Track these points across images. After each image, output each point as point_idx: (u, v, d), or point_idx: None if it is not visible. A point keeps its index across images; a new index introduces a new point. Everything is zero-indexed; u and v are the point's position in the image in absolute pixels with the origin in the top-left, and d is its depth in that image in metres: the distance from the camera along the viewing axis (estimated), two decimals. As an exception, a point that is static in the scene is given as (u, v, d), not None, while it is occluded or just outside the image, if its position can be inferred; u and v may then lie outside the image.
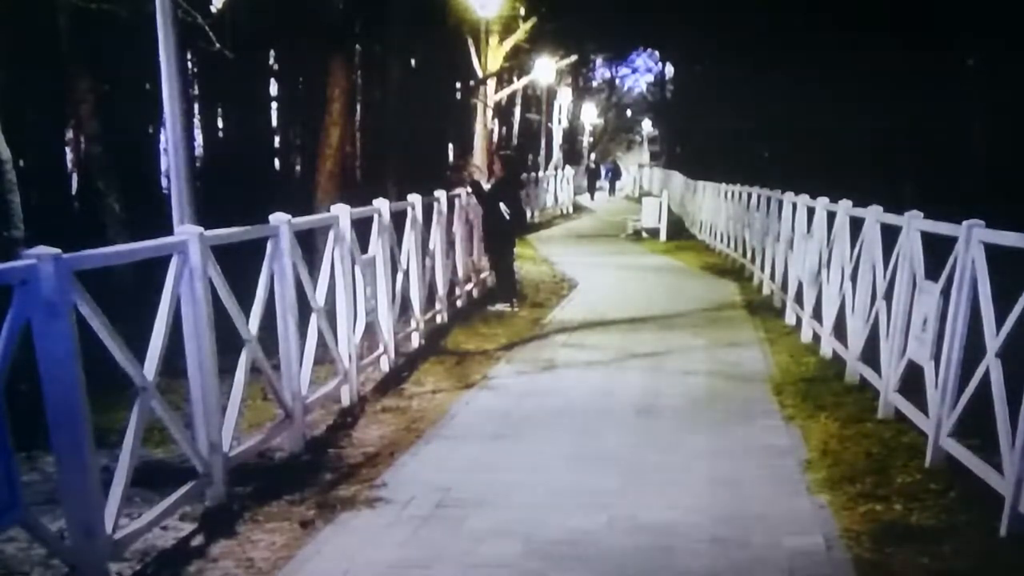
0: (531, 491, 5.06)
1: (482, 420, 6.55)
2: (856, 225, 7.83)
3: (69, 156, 17.61)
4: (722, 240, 18.02)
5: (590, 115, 57.37)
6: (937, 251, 5.83)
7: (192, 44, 11.80)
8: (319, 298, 6.41)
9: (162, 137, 15.40)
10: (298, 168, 22.36)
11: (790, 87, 22.18)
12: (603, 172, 46.06)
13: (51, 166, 15.30)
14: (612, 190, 45.80)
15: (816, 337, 8.95)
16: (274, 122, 22.47)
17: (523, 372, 8.07)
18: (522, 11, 24.13)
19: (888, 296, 6.72)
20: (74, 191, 17.18)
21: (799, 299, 9.85)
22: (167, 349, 4.27)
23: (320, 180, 12.22)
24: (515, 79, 30.75)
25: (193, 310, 4.58)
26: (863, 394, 7.02)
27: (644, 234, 22.17)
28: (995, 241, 4.94)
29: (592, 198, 40.09)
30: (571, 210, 32.07)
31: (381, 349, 7.95)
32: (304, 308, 6.08)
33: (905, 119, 18.22)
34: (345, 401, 6.86)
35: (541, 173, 31.64)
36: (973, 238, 5.13)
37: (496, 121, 30.29)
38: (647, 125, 71.08)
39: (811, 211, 9.66)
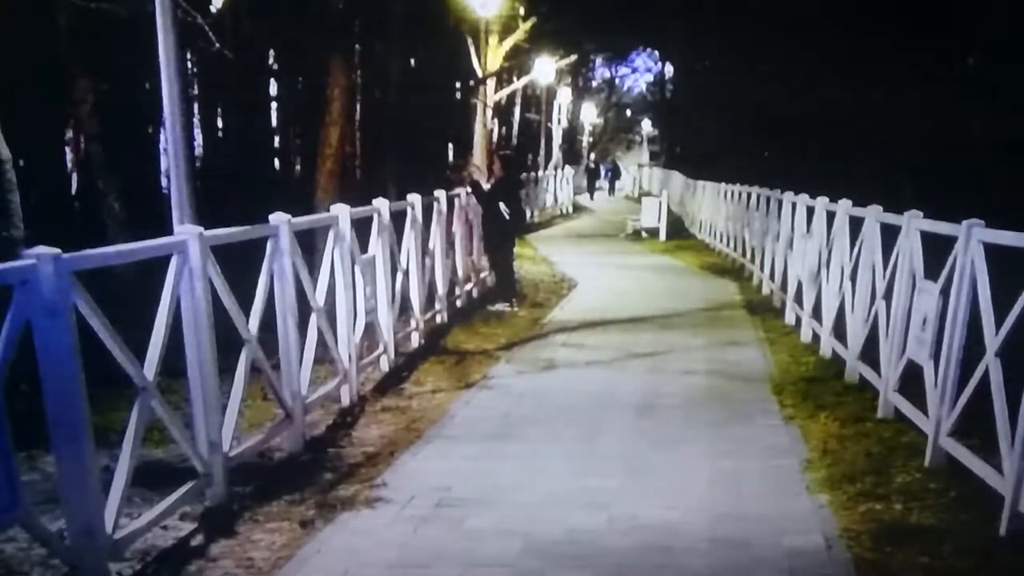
0: (531, 491, 5.06)
1: (482, 420, 6.55)
2: (856, 225, 7.83)
3: (69, 156, 17.61)
4: (722, 240, 18.03)
5: (590, 115, 57.38)
6: (936, 250, 5.83)
7: (192, 44, 11.81)
8: (319, 298, 6.41)
9: (162, 137, 15.39)
10: (298, 168, 22.36)
11: (789, 86, 22.18)
12: (603, 172, 46.08)
13: (51, 166, 15.29)
14: (612, 190, 45.81)
15: (816, 337, 8.95)
16: (274, 122, 22.46)
17: (523, 372, 8.07)
18: (522, 11, 24.14)
19: (888, 296, 6.72)
20: (74, 191, 17.18)
21: (799, 299, 9.85)
22: (167, 349, 4.27)
23: (320, 180, 12.23)
24: (515, 79, 30.75)
25: (193, 310, 4.58)
26: (863, 394, 7.02)
27: (644, 234, 22.18)
28: (994, 241, 4.95)
29: (591, 198, 40.10)
30: (571, 210, 32.07)
31: (381, 349, 7.95)
32: (304, 308, 6.09)
33: (906, 118, 18.23)
34: (345, 401, 6.86)
35: (541, 173, 31.65)
36: (972, 238, 5.13)
37: (496, 121, 30.29)
38: (647, 125, 71.09)
39: (810, 211, 9.66)
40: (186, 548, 4.34)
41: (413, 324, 9.08)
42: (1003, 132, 15.81)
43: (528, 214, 22.28)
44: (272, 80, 21.89)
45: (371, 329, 7.69)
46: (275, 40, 20.12)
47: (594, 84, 62.23)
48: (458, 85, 26.25)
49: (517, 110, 39.55)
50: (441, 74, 23.83)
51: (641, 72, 64.89)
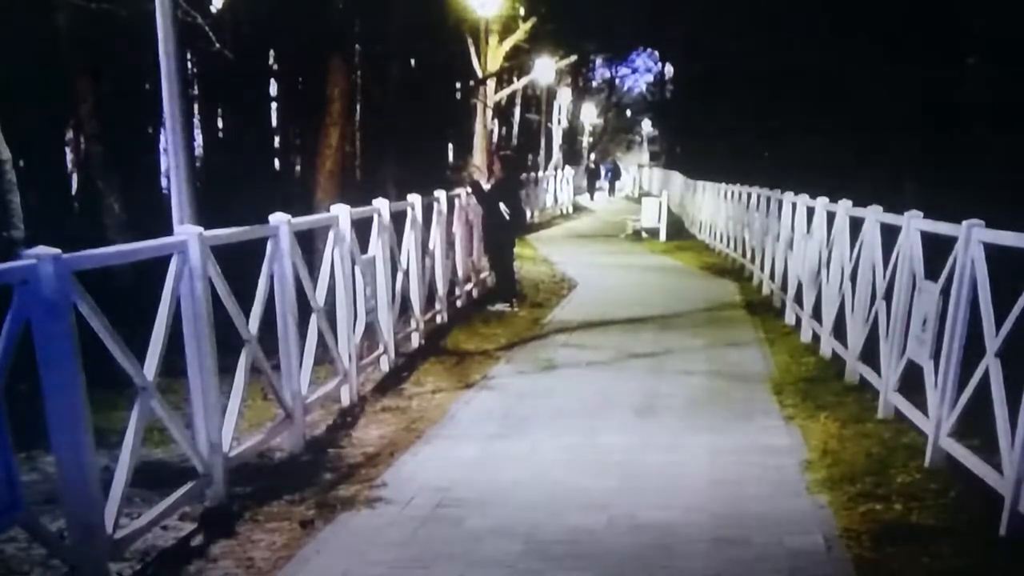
0: (531, 491, 5.06)
1: (482, 420, 6.55)
2: (856, 225, 7.83)
3: (69, 156, 17.61)
4: (722, 240, 18.03)
5: (590, 115, 57.37)
6: (937, 250, 5.84)
7: (192, 44, 11.81)
8: (319, 298, 6.41)
9: (162, 137, 15.40)
10: (298, 168, 22.36)
11: (789, 86, 22.19)
12: (603, 172, 46.04)
13: (51, 166, 15.29)
14: (612, 190, 45.80)
15: (816, 337, 8.95)
16: (274, 122, 22.46)
17: (523, 372, 8.07)
18: (522, 11, 24.13)
19: (888, 296, 6.72)
20: (74, 191, 17.18)
21: (799, 299, 9.85)
22: (167, 349, 4.27)
23: (320, 180, 12.21)
24: (515, 79, 30.74)
25: (193, 310, 4.58)
26: (863, 394, 7.02)
27: (644, 234, 22.17)
28: (994, 241, 4.95)
29: (592, 198, 40.09)
30: (571, 210, 32.07)
31: (381, 349, 7.95)
32: (304, 308, 6.09)
33: (906, 118, 18.23)
34: (345, 401, 6.86)
35: (541, 173, 31.63)
36: (972, 238, 5.13)
37: (496, 121, 30.28)
38: (647, 125, 71.08)
39: (811, 211, 9.66)
40: (186, 548, 4.34)
41: (413, 324, 9.08)
42: (1003, 132, 15.82)
43: (528, 214, 22.27)
44: (272, 80, 21.88)
45: (371, 329, 7.69)
46: (275, 40, 20.12)
47: (594, 84, 62.20)
48: (458, 85, 26.24)
49: (517, 110, 39.54)
50: (441, 74, 23.82)
51: (641, 72, 64.89)
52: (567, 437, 6.09)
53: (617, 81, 64.73)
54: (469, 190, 12.03)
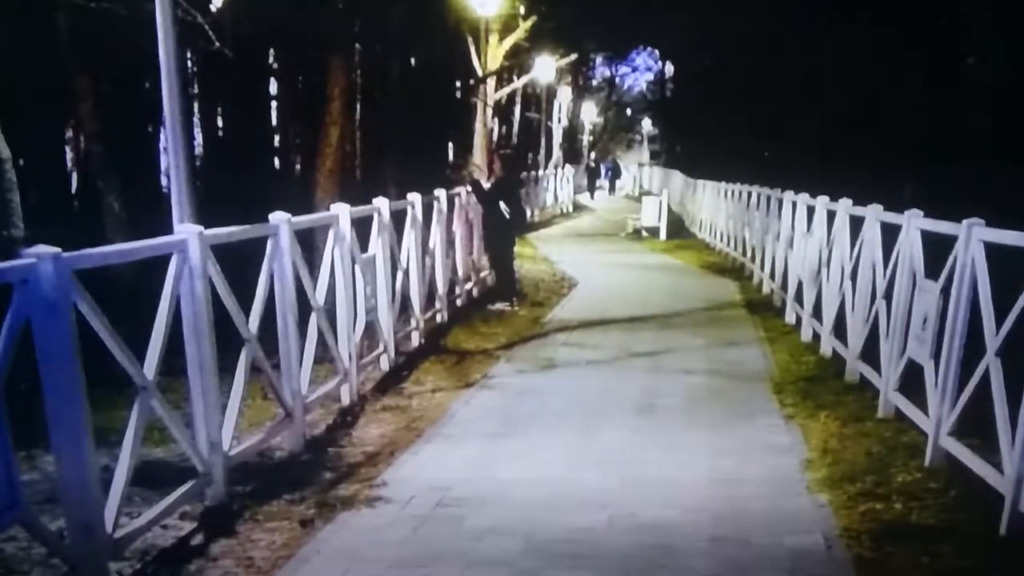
0: (531, 490, 5.06)
1: (482, 419, 6.55)
2: (856, 224, 7.83)
3: (69, 156, 17.61)
4: (722, 239, 18.03)
5: (590, 114, 57.33)
6: (937, 250, 5.83)
7: (192, 43, 11.81)
8: (319, 297, 6.41)
9: (162, 136, 15.39)
10: (298, 167, 22.35)
11: (790, 86, 22.18)
12: (603, 171, 46.07)
13: (51, 166, 15.29)
14: (612, 189, 45.85)
15: (816, 336, 8.95)
16: (274, 122, 22.45)
17: (523, 371, 8.07)
18: (522, 10, 24.10)
19: (888, 295, 6.72)
20: (74, 191, 17.18)
21: (799, 298, 9.85)
22: (167, 348, 4.27)
23: (320, 179, 12.22)
24: (515, 78, 30.70)
25: (193, 309, 4.58)
26: (863, 393, 7.02)
27: (644, 233, 22.17)
28: (995, 240, 4.94)
29: (592, 197, 40.11)
30: (571, 209, 32.08)
31: (381, 348, 7.95)
32: (304, 307, 6.09)
33: (905, 118, 18.22)
34: (345, 400, 6.86)
35: (541, 172, 31.62)
36: (973, 237, 5.13)
37: (496, 120, 30.22)
38: (647, 124, 71.05)
39: (811, 210, 9.66)
40: (186, 547, 4.34)
41: (413, 323, 9.08)
42: (1003, 132, 15.81)
43: (528, 213, 22.26)
44: (272, 80, 21.87)
45: (371, 328, 7.69)
46: (275, 40, 20.10)
47: (594, 83, 62.15)
48: (458, 84, 26.22)
49: (517, 109, 39.48)
50: (441, 74, 23.80)
51: (641, 71, 64.87)
52: (567, 436, 6.09)
53: (617, 79, 64.75)
54: (469, 189, 12.03)
